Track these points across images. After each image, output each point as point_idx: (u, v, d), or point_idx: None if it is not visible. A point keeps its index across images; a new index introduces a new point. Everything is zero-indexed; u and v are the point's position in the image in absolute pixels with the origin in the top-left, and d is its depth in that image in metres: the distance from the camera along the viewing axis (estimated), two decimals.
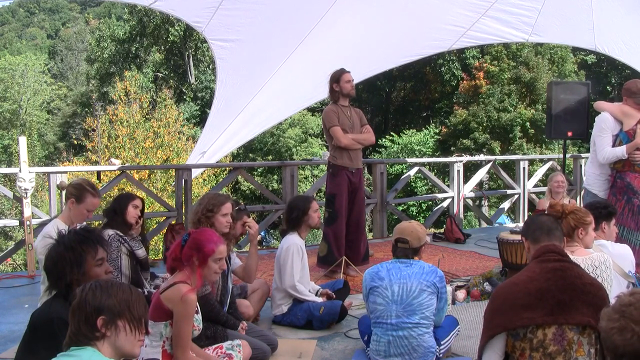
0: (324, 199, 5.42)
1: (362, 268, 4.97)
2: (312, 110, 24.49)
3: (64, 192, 3.89)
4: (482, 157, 10.00)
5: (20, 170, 5.55)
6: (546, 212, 2.99)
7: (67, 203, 3.76)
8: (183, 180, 6.60)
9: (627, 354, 1.49)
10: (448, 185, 8.62)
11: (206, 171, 16.24)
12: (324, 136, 5.57)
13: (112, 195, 10.87)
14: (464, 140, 22.37)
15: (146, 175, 15.98)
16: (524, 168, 8.77)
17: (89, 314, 1.80)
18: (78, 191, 3.71)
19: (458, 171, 8.14)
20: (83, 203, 3.69)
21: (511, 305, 2.26)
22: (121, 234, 3.84)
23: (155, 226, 8.87)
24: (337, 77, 5.18)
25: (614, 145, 4.69)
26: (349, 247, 5.23)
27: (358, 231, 5.26)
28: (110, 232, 3.84)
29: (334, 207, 5.14)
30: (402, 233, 3.21)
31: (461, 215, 8.35)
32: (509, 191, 9.03)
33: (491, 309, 2.34)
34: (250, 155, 24.13)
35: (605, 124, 4.75)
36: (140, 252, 3.98)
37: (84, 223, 3.77)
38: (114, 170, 7.98)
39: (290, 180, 7.06)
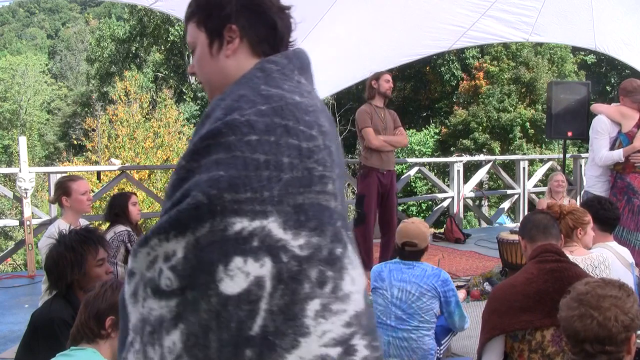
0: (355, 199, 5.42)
1: None
2: None
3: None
4: (482, 157, 10.00)
5: (20, 170, 5.56)
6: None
7: (61, 205, 3.72)
8: None
9: (587, 339, 1.61)
10: (448, 185, 8.62)
11: None
12: (357, 136, 5.58)
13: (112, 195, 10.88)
14: (464, 141, 22.36)
15: (146, 175, 15.99)
16: (524, 168, 8.77)
17: (102, 310, 1.82)
18: (61, 187, 3.67)
19: (458, 171, 8.14)
20: (72, 191, 3.62)
21: (509, 307, 2.25)
22: (131, 231, 3.88)
23: None
24: (377, 75, 5.23)
25: (613, 147, 4.69)
26: (383, 249, 5.22)
27: (389, 232, 5.22)
28: (121, 228, 3.86)
29: (363, 208, 5.14)
30: (409, 236, 3.16)
31: (461, 215, 8.35)
32: (509, 191, 9.03)
33: (489, 310, 2.34)
34: None
35: (600, 127, 4.74)
36: None
37: (87, 223, 3.77)
38: (114, 170, 7.99)
39: None
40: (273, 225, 0.98)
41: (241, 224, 0.96)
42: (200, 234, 0.97)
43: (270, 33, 1.17)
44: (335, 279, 1.03)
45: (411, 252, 3.14)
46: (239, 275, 0.96)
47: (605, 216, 3.22)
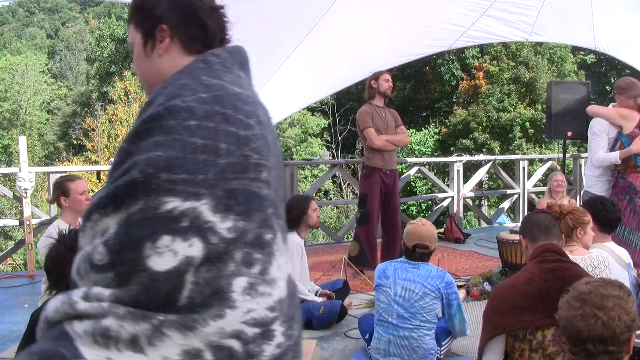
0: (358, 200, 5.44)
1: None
2: (312, 110, 24.49)
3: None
4: (482, 157, 9.99)
5: (20, 170, 5.55)
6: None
7: (60, 205, 3.70)
8: None
9: (591, 339, 1.58)
10: (448, 185, 8.62)
11: None
12: (358, 136, 5.60)
13: None
14: (464, 141, 22.36)
15: None
16: (524, 168, 8.77)
17: None
18: (60, 187, 3.66)
19: (458, 171, 8.14)
20: (71, 191, 3.60)
21: (511, 307, 2.25)
22: None
23: None
24: (377, 75, 5.26)
25: (614, 148, 4.68)
26: (386, 249, 5.21)
27: (394, 232, 5.23)
28: None
29: (366, 208, 5.14)
30: (422, 239, 3.16)
31: (461, 215, 8.35)
32: (509, 191, 9.03)
33: (490, 310, 2.34)
34: None
35: (598, 128, 4.74)
36: None
37: None
38: None
39: (290, 180, 7.06)
40: (204, 208, 1.01)
41: (174, 204, 0.99)
42: (134, 211, 1.00)
43: (201, 32, 1.22)
44: (265, 263, 1.07)
45: (422, 254, 3.16)
46: (167, 254, 0.99)
47: (607, 217, 3.21)
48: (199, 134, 1.03)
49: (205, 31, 1.22)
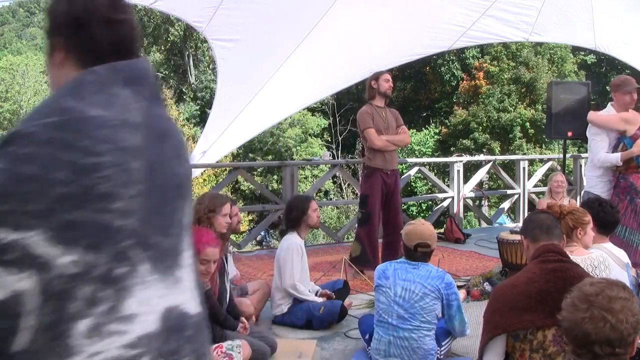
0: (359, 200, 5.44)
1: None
2: (312, 110, 24.48)
3: None
4: (482, 157, 9.99)
5: None
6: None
7: None
8: None
9: (598, 341, 1.56)
10: (448, 185, 8.62)
11: (206, 171, 16.24)
12: (359, 137, 5.60)
13: None
14: (464, 141, 22.35)
15: None
16: (524, 168, 8.77)
17: None
18: None
19: (458, 171, 8.14)
20: None
21: (511, 307, 2.25)
22: None
23: None
24: (376, 75, 5.25)
25: (616, 149, 4.69)
26: (387, 248, 5.20)
27: (395, 232, 5.20)
28: None
29: (367, 207, 5.13)
30: (423, 238, 3.16)
31: (461, 215, 8.35)
32: (509, 191, 9.03)
33: (491, 310, 2.34)
34: (250, 155, 24.12)
35: (597, 129, 4.76)
36: None
37: None
38: None
39: (290, 180, 7.06)
40: (37, 239, 0.97)
41: (0, 235, 0.95)
42: None
43: (94, 46, 1.16)
44: (115, 300, 1.02)
45: (423, 253, 3.16)
46: None
47: (605, 219, 3.22)
48: (33, 161, 0.98)
49: (97, 45, 1.15)
